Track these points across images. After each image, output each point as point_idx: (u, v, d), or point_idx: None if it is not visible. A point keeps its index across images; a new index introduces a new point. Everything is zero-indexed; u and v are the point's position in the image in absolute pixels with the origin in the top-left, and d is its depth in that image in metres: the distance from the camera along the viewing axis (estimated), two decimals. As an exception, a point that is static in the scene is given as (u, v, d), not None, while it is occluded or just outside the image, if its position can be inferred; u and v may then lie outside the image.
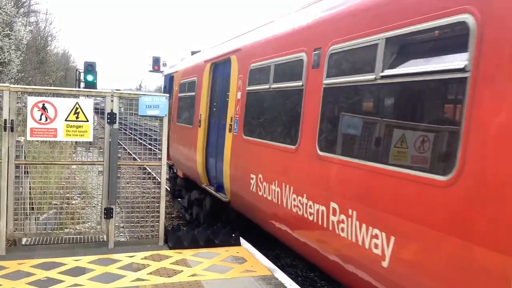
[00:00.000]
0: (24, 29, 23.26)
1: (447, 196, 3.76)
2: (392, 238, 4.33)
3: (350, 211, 4.99)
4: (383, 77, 4.66)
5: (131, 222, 7.92)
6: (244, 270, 6.33)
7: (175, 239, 7.27)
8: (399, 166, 4.36)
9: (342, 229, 5.11)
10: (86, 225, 9.70)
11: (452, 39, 4.04)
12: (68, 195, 8.53)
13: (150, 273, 6.06)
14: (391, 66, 4.60)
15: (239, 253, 7.06)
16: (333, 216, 5.31)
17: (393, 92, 4.80)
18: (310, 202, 5.82)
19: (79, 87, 26.23)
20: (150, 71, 37.95)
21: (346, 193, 5.14)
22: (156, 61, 37.63)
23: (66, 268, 6.10)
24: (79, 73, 28.00)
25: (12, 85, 6.71)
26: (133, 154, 19.97)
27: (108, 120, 7.01)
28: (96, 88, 22.46)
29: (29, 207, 7.65)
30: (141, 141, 31.17)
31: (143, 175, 7.83)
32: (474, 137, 3.57)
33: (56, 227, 7.49)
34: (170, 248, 7.13)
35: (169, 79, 15.46)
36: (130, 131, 34.68)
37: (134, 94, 7.36)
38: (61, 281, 5.66)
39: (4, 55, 19.40)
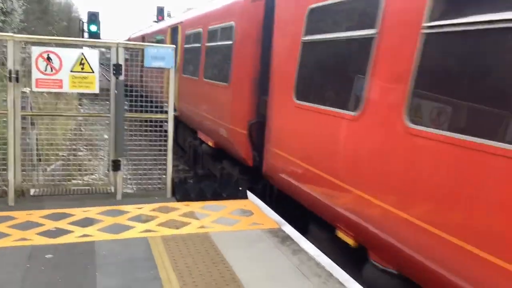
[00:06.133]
0: (26, -23, 22.79)
1: None
2: None
3: None
4: None
5: (138, 174, 7.93)
6: (252, 223, 6.37)
7: (183, 191, 7.30)
8: None
9: None
10: (94, 176, 9.75)
11: None
12: (74, 146, 8.53)
13: (159, 225, 6.11)
14: None
15: (246, 206, 7.09)
16: None
17: None
18: None
19: (82, 38, 25.85)
20: (155, 21, 37.23)
21: None
22: (160, 11, 36.90)
23: (75, 219, 6.15)
24: (82, 23, 27.57)
25: (16, 35, 6.56)
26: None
27: (114, 72, 6.90)
28: (100, 39, 22.14)
29: (36, 159, 7.67)
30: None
31: (150, 128, 7.73)
32: None
33: (64, 178, 7.51)
34: (178, 201, 7.17)
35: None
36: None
37: (139, 45, 7.21)
38: (70, 231, 5.71)
39: (6, 4, 19.02)
